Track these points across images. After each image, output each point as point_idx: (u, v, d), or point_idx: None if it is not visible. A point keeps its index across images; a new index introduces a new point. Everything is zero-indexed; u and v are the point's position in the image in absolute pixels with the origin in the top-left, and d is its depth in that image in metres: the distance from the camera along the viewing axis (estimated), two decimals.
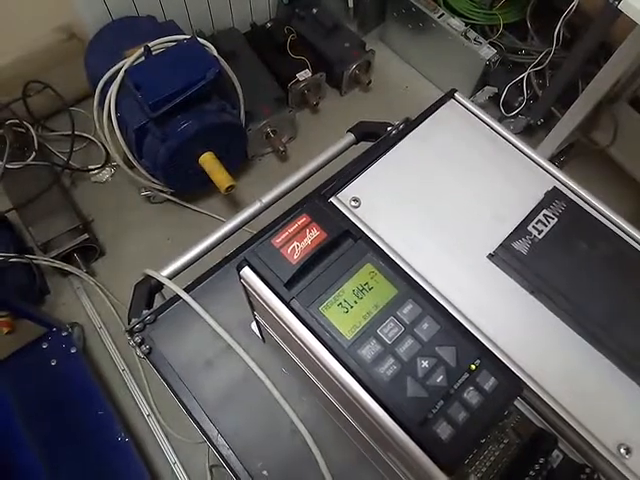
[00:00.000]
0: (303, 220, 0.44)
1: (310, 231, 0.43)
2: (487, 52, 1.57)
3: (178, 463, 1.24)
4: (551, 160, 1.63)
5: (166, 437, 1.26)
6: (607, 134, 1.56)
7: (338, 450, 0.59)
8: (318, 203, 0.44)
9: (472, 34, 1.59)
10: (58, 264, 1.37)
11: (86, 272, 1.41)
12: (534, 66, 1.55)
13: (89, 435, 1.16)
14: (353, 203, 0.47)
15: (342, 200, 0.47)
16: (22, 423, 0.93)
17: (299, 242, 0.43)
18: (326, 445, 0.58)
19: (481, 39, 1.59)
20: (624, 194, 1.60)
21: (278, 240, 0.43)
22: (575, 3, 1.33)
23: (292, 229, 0.43)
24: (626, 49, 1.24)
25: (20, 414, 0.93)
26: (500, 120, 1.70)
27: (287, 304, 0.41)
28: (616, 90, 1.49)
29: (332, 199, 0.47)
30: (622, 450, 0.39)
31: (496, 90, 1.63)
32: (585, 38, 1.32)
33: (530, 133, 1.71)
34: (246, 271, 0.42)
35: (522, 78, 1.57)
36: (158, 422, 1.27)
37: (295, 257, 0.42)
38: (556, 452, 0.42)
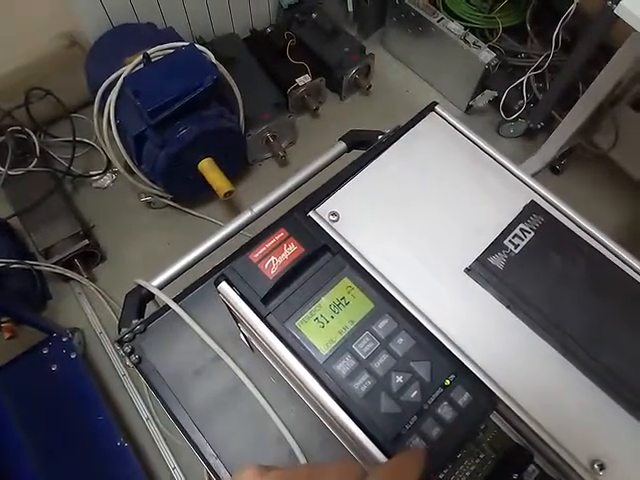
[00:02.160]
0: (281, 235, 0.44)
1: (288, 246, 0.44)
2: (486, 56, 1.57)
3: (177, 468, 1.24)
4: (551, 164, 1.63)
5: (165, 442, 1.27)
6: (608, 137, 1.55)
7: (325, 459, 0.59)
8: (296, 217, 0.45)
9: (471, 38, 1.58)
10: (59, 270, 1.38)
11: (87, 278, 1.43)
12: (534, 69, 1.55)
13: (89, 440, 1.17)
14: (332, 217, 0.47)
15: (321, 214, 0.47)
16: (21, 428, 0.94)
17: (276, 257, 0.43)
18: (313, 455, 0.58)
19: (480, 43, 1.58)
20: (625, 198, 1.59)
21: (256, 255, 0.43)
22: (574, 6, 1.32)
23: (270, 244, 0.44)
24: (625, 52, 1.24)
25: (20, 419, 0.95)
26: (500, 124, 1.69)
27: (264, 319, 0.42)
28: (617, 93, 1.48)
29: (311, 213, 0.47)
30: (596, 466, 0.39)
31: (496, 94, 1.63)
32: (584, 41, 1.31)
33: (530, 137, 1.71)
34: (223, 286, 0.43)
35: (522, 81, 1.56)
36: (157, 427, 1.28)
37: (272, 272, 0.43)
38: (532, 467, 0.42)
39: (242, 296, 0.42)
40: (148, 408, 1.30)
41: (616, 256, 0.47)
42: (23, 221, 1.42)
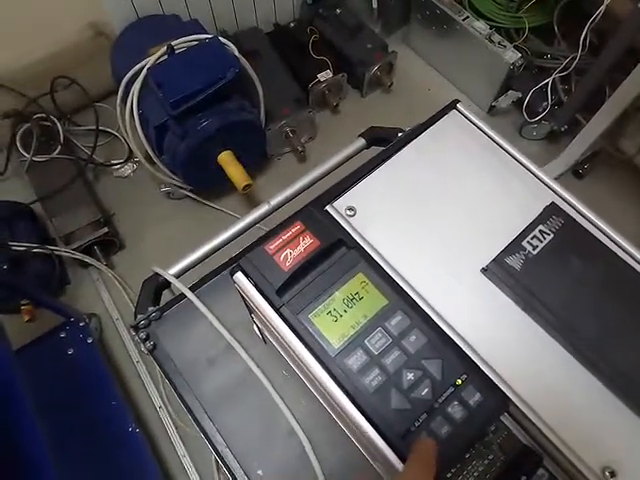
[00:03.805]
0: (297, 228, 0.44)
1: (303, 239, 0.44)
2: (511, 56, 1.54)
3: (187, 456, 1.26)
4: (574, 168, 1.60)
5: (176, 430, 1.28)
6: (634, 142, 1.52)
7: (334, 453, 0.59)
8: (313, 211, 0.45)
9: (496, 37, 1.56)
10: (79, 256, 1.40)
11: (105, 265, 1.45)
12: (560, 71, 1.52)
13: (101, 424, 1.19)
14: (348, 212, 0.47)
15: (337, 209, 0.47)
16: (36, 409, 0.96)
17: (292, 249, 0.43)
18: (322, 447, 0.58)
19: (506, 42, 1.56)
20: None
21: (272, 247, 0.44)
22: (603, 7, 1.30)
23: (286, 236, 0.44)
24: None
25: (35, 400, 0.96)
26: (523, 126, 1.67)
27: (277, 311, 0.42)
28: None
29: (327, 207, 0.47)
30: (607, 473, 0.38)
31: (520, 95, 1.61)
32: (612, 43, 1.29)
33: (553, 140, 1.68)
34: (239, 276, 0.43)
35: (547, 83, 1.54)
36: (169, 415, 1.29)
37: (287, 264, 0.43)
38: (541, 471, 0.42)
39: (257, 287, 0.43)
40: (161, 396, 1.31)
41: (636, 260, 0.46)
42: (45, 207, 1.44)
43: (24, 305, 1.21)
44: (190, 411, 0.63)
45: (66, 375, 1.23)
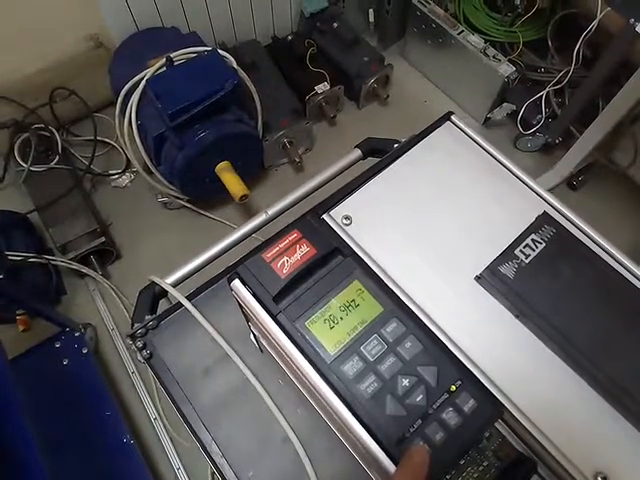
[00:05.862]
0: (294, 236, 0.45)
1: (300, 247, 0.44)
2: (506, 69, 1.57)
3: (182, 468, 1.25)
4: (569, 179, 1.62)
5: (171, 442, 1.27)
6: (627, 155, 1.54)
7: (330, 460, 0.59)
8: (309, 219, 0.45)
9: (491, 51, 1.59)
10: (75, 266, 1.40)
11: (102, 275, 1.45)
12: (553, 84, 1.54)
13: (95, 435, 1.18)
14: (345, 221, 0.48)
15: (334, 217, 0.48)
16: (31, 419, 0.96)
17: (289, 257, 0.44)
18: (318, 457, 0.58)
19: (500, 56, 1.59)
20: None
21: (269, 255, 0.44)
22: (595, 22, 1.32)
23: (283, 244, 0.44)
24: None
25: (30, 410, 0.96)
26: (517, 138, 1.69)
27: (274, 317, 0.42)
28: (637, 110, 1.47)
29: (324, 216, 0.48)
30: (599, 479, 0.38)
31: (514, 107, 1.63)
32: (605, 57, 1.31)
33: (547, 151, 1.70)
34: (236, 284, 0.44)
35: (541, 96, 1.56)
36: (164, 426, 1.28)
37: (284, 272, 0.43)
38: (535, 477, 0.42)
39: (254, 294, 0.43)
40: (156, 407, 1.31)
41: (626, 269, 0.47)
42: (42, 216, 1.44)
43: (19, 315, 1.21)
44: (186, 420, 0.63)
45: (61, 385, 1.22)
